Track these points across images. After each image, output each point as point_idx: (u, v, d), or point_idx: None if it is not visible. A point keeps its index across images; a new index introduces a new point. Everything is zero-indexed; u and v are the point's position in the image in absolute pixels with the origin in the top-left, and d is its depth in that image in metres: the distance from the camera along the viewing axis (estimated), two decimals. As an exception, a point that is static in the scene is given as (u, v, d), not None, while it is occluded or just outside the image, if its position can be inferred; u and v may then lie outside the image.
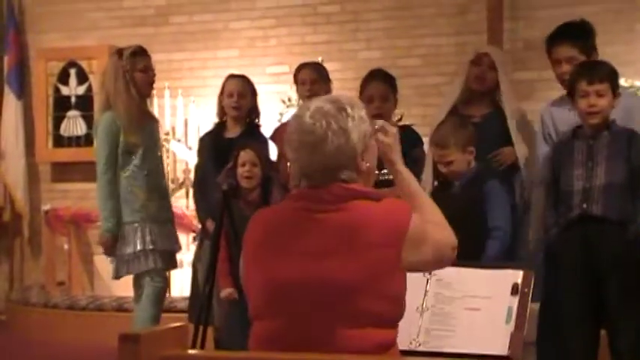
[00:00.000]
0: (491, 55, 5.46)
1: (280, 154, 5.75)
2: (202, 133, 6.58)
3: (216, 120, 5.88)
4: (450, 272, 3.10)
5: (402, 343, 2.75)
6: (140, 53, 5.50)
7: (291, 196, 2.82)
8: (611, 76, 4.47)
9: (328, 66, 7.05)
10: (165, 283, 5.55)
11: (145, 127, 5.50)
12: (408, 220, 2.64)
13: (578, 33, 4.94)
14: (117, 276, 5.55)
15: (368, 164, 2.73)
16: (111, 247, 5.43)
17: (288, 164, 5.70)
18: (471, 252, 4.44)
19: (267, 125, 6.30)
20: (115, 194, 5.42)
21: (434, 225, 2.74)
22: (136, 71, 5.43)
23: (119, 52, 5.54)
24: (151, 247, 5.37)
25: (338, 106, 2.70)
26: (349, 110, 2.70)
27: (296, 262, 2.64)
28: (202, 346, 4.81)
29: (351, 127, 2.68)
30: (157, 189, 5.53)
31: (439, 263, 2.80)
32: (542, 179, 4.71)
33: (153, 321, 5.32)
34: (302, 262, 2.63)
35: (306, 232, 2.67)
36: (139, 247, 5.37)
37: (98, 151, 5.50)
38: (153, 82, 5.50)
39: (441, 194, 4.80)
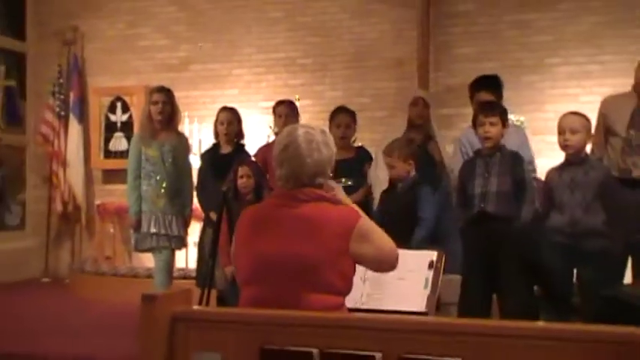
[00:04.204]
0: (424, 97, 5.49)
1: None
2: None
3: (213, 140, 5.87)
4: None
5: (350, 303, 2.75)
6: (156, 91, 5.55)
7: (272, 194, 2.82)
8: (501, 112, 4.55)
9: (303, 102, 7.06)
10: (170, 258, 5.47)
11: (163, 143, 5.48)
12: (356, 221, 2.64)
13: (494, 83, 5.11)
14: (135, 249, 5.63)
15: (332, 174, 2.79)
16: (136, 226, 5.49)
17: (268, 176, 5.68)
18: (408, 236, 4.48)
19: (258, 144, 6.29)
20: (137, 190, 5.48)
21: (379, 236, 2.68)
22: (151, 104, 5.49)
23: None
24: (154, 230, 5.40)
25: (321, 132, 2.76)
26: (327, 138, 2.76)
27: (274, 243, 2.63)
28: (207, 305, 4.79)
29: (327, 148, 2.74)
30: (168, 190, 5.48)
31: (380, 264, 2.68)
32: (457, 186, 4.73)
33: (161, 287, 5.31)
34: (279, 243, 2.63)
35: (282, 221, 2.67)
36: (145, 230, 5.42)
37: (128, 160, 5.62)
38: (161, 111, 5.45)
39: (389, 193, 4.83)
